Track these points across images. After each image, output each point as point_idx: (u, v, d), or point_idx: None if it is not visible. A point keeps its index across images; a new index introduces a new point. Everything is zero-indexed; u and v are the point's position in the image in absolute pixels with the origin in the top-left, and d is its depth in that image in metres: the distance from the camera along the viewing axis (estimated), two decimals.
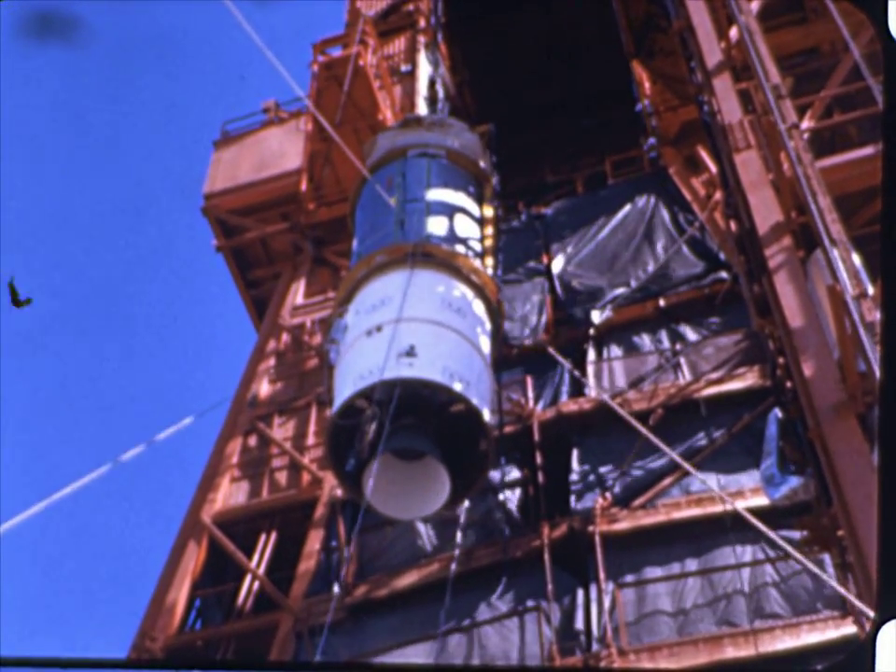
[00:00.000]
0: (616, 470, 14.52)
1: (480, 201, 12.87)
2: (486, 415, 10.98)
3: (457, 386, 10.56)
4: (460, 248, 12.00)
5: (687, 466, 12.64)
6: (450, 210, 12.40)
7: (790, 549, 11.19)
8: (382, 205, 12.35)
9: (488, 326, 11.76)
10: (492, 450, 11.07)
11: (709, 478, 13.69)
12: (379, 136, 13.65)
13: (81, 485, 9.64)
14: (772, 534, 11.27)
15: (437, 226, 12.09)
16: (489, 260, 12.25)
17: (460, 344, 11.02)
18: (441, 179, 12.67)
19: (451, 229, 12.18)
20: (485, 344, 11.50)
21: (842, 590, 10.09)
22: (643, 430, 12.86)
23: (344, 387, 10.76)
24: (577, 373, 15.75)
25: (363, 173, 12.84)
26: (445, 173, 12.79)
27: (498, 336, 12.07)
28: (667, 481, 14.08)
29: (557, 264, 18.07)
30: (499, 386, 14.81)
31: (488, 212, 12.78)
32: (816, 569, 10.69)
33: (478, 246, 12.24)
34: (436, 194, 12.49)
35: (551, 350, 16.17)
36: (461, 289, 11.57)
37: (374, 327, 10.92)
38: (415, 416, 10.46)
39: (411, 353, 10.46)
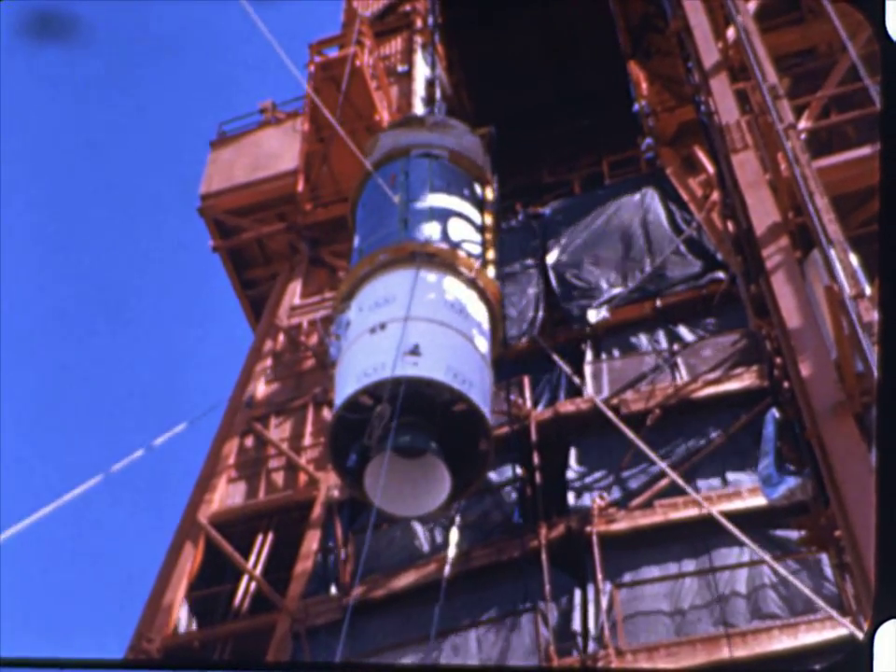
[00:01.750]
0: (613, 471, 14.52)
1: (481, 203, 12.89)
2: (487, 415, 11.02)
3: (460, 386, 10.60)
4: (462, 250, 12.02)
5: (674, 476, 12.66)
6: (452, 212, 12.41)
7: (769, 559, 11.26)
8: (384, 203, 12.34)
9: (489, 327, 11.79)
10: (492, 450, 11.09)
11: (708, 479, 13.74)
12: (381, 135, 13.63)
13: (74, 496, 9.63)
14: (749, 541, 11.36)
15: (439, 227, 12.09)
16: (490, 262, 12.27)
17: (463, 345, 11.06)
18: (444, 180, 12.68)
19: (453, 230, 12.19)
20: (487, 346, 11.54)
21: (818, 599, 10.17)
22: (633, 437, 12.92)
23: (347, 384, 10.78)
24: (576, 380, 15.74)
25: (366, 167, 12.83)
26: (448, 174, 12.80)
27: (498, 338, 12.10)
28: (665, 481, 14.07)
29: (551, 255, 18.03)
30: (507, 388, 14.84)
31: (489, 214, 12.80)
32: (795, 580, 10.80)
33: (479, 249, 12.25)
34: (438, 195, 12.49)
35: (554, 356, 16.16)
36: (464, 290, 11.61)
37: (378, 324, 10.96)
38: (418, 414, 10.49)
39: (415, 352, 10.51)
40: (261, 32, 10.35)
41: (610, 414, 14.11)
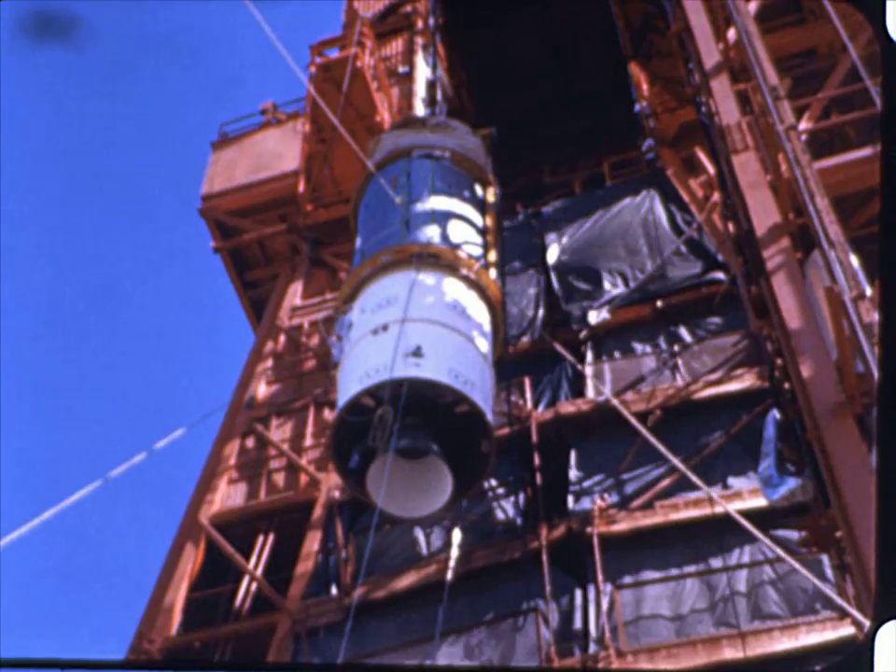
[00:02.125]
0: (614, 472, 14.51)
1: (483, 204, 12.90)
2: (489, 417, 11.04)
3: (462, 388, 10.63)
4: (464, 251, 12.04)
5: (689, 473, 12.70)
6: (454, 213, 12.43)
7: (783, 554, 11.25)
8: (386, 204, 12.36)
9: (490, 328, 11.81)
10: (494, 451, 11.11)
11: (709, 480, 13.73)
12: (383, 136, 13.66)
13: (73, 501, 9.66)
14: (766, 539, 11.34)
15: (441, 228, 12.11)
16: (492, 263, 12.28)
17: (465, 346, 11.10)
18: (446, 181, 12.71)
19: (455, 231, 12.21)
20: (488, 347, 11.56)
21: (833, 594, 10.14)
22: (648, 436, 12.94)
23: (350, 385, 10.80)
24: (582, 369, 15.73)
25: (368, 168, 12.85)
26: (449, 175, 12.82)
27: (499, 338, 12.12)
28: (666, 482, 14.08)
29: (552, 254, 18.01)
30: (508, 389, 14.86)
31: (491, 216, 12.81)
32: (811, 576, 10.77)
33: (481, 250, 12.27)
34: (440, 196, 12.52)
35: (560, 349, 16.15)
36: (465, 292, 11.63)
37: (380, 326, 11.00)
38: (419, 416, 10.51)
39: (417, 353, 10.54)
40: (264, 32, 10.36)
41: (623, 409, 14.09)
